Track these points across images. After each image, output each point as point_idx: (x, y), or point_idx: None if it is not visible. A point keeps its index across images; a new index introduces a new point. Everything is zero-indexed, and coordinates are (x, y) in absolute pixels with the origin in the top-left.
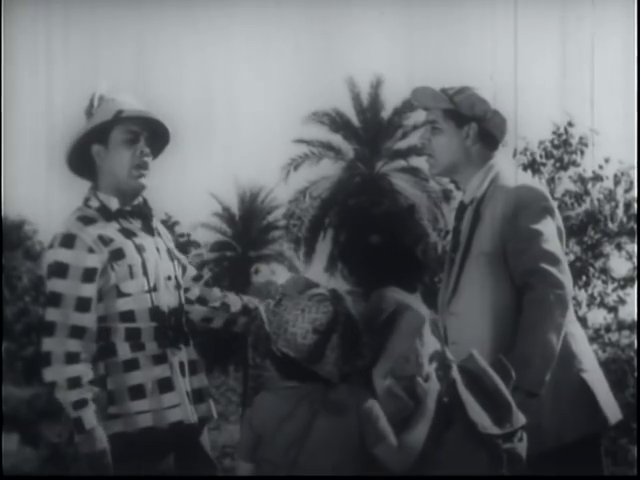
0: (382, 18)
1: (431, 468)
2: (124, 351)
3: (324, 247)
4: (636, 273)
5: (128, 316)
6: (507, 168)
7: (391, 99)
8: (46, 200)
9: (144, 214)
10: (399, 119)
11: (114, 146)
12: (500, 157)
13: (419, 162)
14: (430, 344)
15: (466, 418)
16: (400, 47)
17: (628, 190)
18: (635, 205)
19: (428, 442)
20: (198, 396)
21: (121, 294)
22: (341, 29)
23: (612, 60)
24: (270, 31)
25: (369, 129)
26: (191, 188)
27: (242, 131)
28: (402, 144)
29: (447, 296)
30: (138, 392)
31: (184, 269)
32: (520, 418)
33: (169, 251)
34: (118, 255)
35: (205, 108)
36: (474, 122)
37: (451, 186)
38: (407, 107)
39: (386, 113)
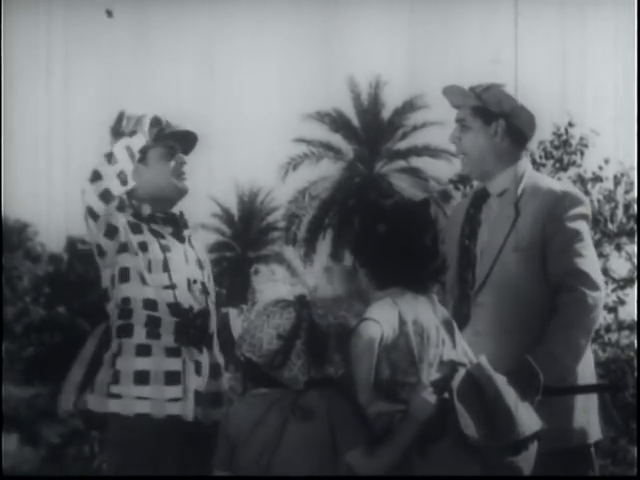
0: (382, 17)
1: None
2: (140, 335)
3: (324, 247)
4: (636, 274)
5: (151, 305)
6: (533, 170)
7: (391, 99)
8: (47, 201)
9: (176, 223)
10: (399, 119)
11: (154, 161)
12: (526, 159)
13: (419, 162)
14: (438, 347)
15: (459, 429)
16: (401, 47)
17: (628, 191)
18: (635, 206)
19: (414, 453)
20: (215, 399)
21: (145, 282)
22: (342, 29)
23: (612, 60)
24: (270, 30)
25: (369, 129)
26: (190, 189)
27: (241, 131)
28: (402, 144)
29: (475, 285)
30: (142, 377)
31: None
32: (529, 426)
33: (199, 261)
34: (142, 247)
35: (204, 108)
36: (502, 118)
37: (450, 187)
38: (407, 107)
39: (386, 113)
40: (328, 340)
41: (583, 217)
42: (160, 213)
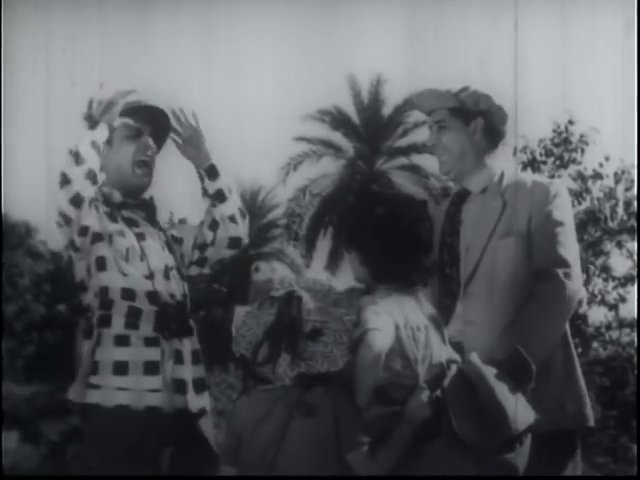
0: (383, 16)
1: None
2: (118, 326)
3: (324, 245)
4: (636, 271)
5: (129, 295)
6: (510, 168)
7: (392, 97)
8: (47, 199)
9: (149, 207)
10: (399, 117)
11: (118, 142)
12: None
13: (419, 160)
14: (427, 348)
15: (452, 429)
16: (401, 45)
17: (628, 188)
18: (635, 203)
19: (409, 454)
20: (199, 386)
21: (122, 271)
22: (342, 27)
23: (612, 59)
24: (270, 29)
25: (369, 127)
26: (192, 186)
27: (242, 130)
28: (402, 142)
29: (461, 280)
30: (121, 368)
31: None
32: (523, 420)
33: (171, 244)
34: (117, 235)
35: (205, 106)
36: (480, 117)
37: (451, 184)
38: (408, 105)
39: (387, 111)
40: (311, 338)
41: (568, 206)
42: (131, 199)
